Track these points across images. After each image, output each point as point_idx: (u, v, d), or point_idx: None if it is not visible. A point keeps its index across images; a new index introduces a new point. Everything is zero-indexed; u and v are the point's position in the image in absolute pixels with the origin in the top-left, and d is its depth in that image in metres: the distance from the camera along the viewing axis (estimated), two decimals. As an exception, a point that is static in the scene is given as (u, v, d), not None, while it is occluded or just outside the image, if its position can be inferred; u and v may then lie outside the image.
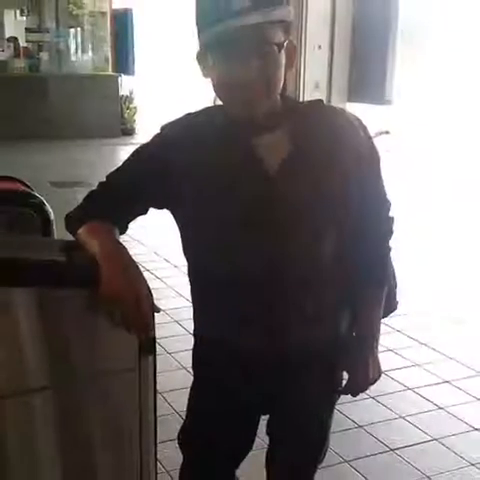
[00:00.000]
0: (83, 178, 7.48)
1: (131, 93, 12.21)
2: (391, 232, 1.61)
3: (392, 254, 1.62)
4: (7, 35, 12.53)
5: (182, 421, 1.77)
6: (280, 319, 1.51)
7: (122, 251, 1.36)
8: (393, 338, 3.80)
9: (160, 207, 1.55)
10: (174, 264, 4.87)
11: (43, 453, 1.34)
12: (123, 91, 11.98)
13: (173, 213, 1.56)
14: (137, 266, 1.34)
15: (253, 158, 1.44)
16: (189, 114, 1.53)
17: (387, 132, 8.94)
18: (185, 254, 1.59)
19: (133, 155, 1.54)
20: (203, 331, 1.64)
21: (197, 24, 1.40)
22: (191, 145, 1.46)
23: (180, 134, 1.49)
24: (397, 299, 1.72)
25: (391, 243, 1.61)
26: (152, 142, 1.53)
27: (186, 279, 1.62)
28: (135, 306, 1.27)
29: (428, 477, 2.60)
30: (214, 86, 1.42)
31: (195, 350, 1.68)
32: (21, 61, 11.44)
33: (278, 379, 1.58)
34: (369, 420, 2.98)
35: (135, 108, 12.14)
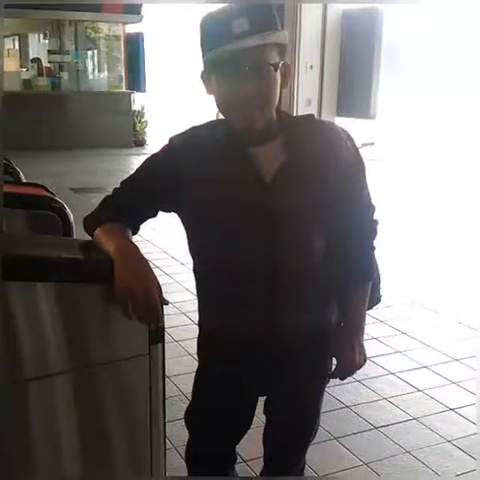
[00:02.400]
0: (99, 184, 7.48)
1: (142, 108, 12.20)
2: (375, 233, 1.60)
3: (376, 252, 1.62)
4: (31, 56, 12.53)
5: (188, 402, 1.77)
6: (276, 309, 1.51)
7: (134, 250, 1.35)
8: (377, 327, 3.80)
9: (168, 210, 1.54)
10: (181, 262, 4.86)
11: (63, 430, 1.33)
12: (135, 106, 11.97)
13: (179, 216, 1.56)
14: (148, 263, 1.33)
15: (251, 166, 1.44)
16: (194, 127, 1.53)
17: (372, 143, 8.93)
18: (191, 253, 1.58)
19: (144, 164, 1.54)
20: (207, 321, 1.63)
21: (201, 46, 1.40)
22: (196, 154, 1.46)
23: (186, 145, 1.49)
24: (380, 293, 1.72)
25: (375, 243, 1.61)
26: (161, 152, 1.53)
27: (192, 275, 1.61)
28: (145, 299, 1.27)
29: (408, 452, 2.60)
30: (217, 102, 1.43)
31: (200, 339, 1.68)
32: (44, 79, 11.41)
33: (275, 363, 1.58)
34: (355, 401, 2.98)
35: (146, 121, 12.12)
